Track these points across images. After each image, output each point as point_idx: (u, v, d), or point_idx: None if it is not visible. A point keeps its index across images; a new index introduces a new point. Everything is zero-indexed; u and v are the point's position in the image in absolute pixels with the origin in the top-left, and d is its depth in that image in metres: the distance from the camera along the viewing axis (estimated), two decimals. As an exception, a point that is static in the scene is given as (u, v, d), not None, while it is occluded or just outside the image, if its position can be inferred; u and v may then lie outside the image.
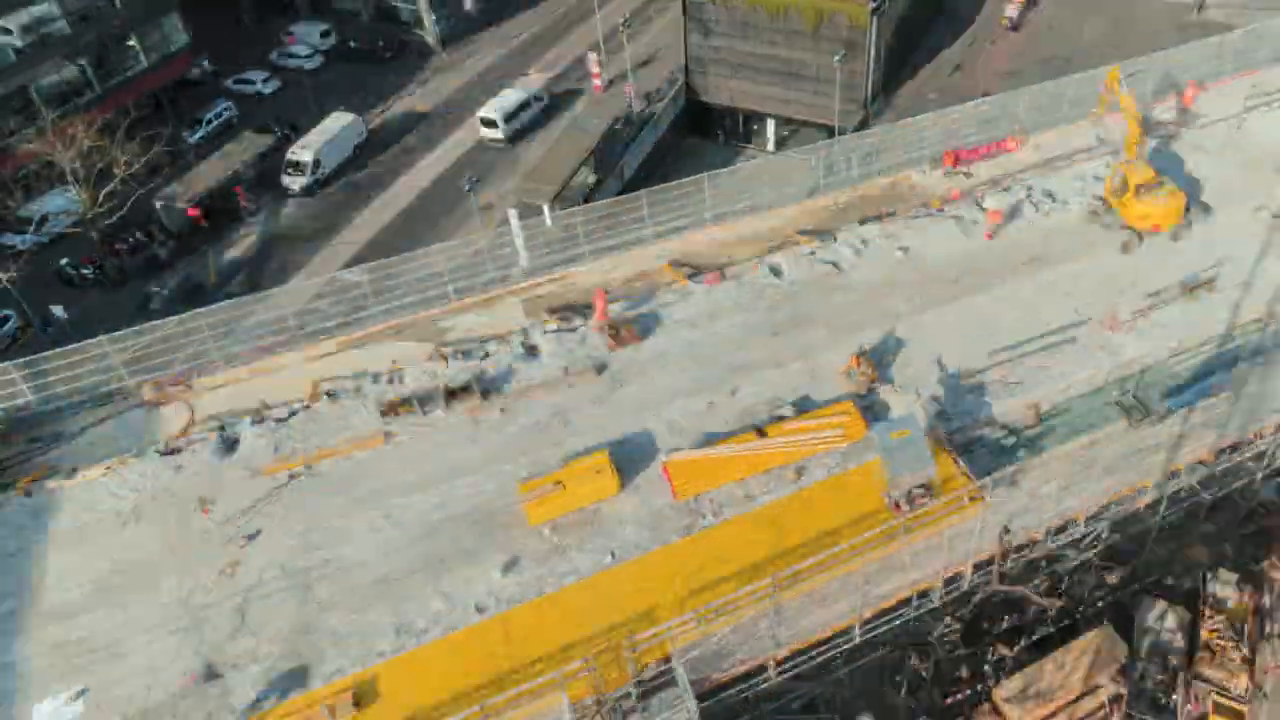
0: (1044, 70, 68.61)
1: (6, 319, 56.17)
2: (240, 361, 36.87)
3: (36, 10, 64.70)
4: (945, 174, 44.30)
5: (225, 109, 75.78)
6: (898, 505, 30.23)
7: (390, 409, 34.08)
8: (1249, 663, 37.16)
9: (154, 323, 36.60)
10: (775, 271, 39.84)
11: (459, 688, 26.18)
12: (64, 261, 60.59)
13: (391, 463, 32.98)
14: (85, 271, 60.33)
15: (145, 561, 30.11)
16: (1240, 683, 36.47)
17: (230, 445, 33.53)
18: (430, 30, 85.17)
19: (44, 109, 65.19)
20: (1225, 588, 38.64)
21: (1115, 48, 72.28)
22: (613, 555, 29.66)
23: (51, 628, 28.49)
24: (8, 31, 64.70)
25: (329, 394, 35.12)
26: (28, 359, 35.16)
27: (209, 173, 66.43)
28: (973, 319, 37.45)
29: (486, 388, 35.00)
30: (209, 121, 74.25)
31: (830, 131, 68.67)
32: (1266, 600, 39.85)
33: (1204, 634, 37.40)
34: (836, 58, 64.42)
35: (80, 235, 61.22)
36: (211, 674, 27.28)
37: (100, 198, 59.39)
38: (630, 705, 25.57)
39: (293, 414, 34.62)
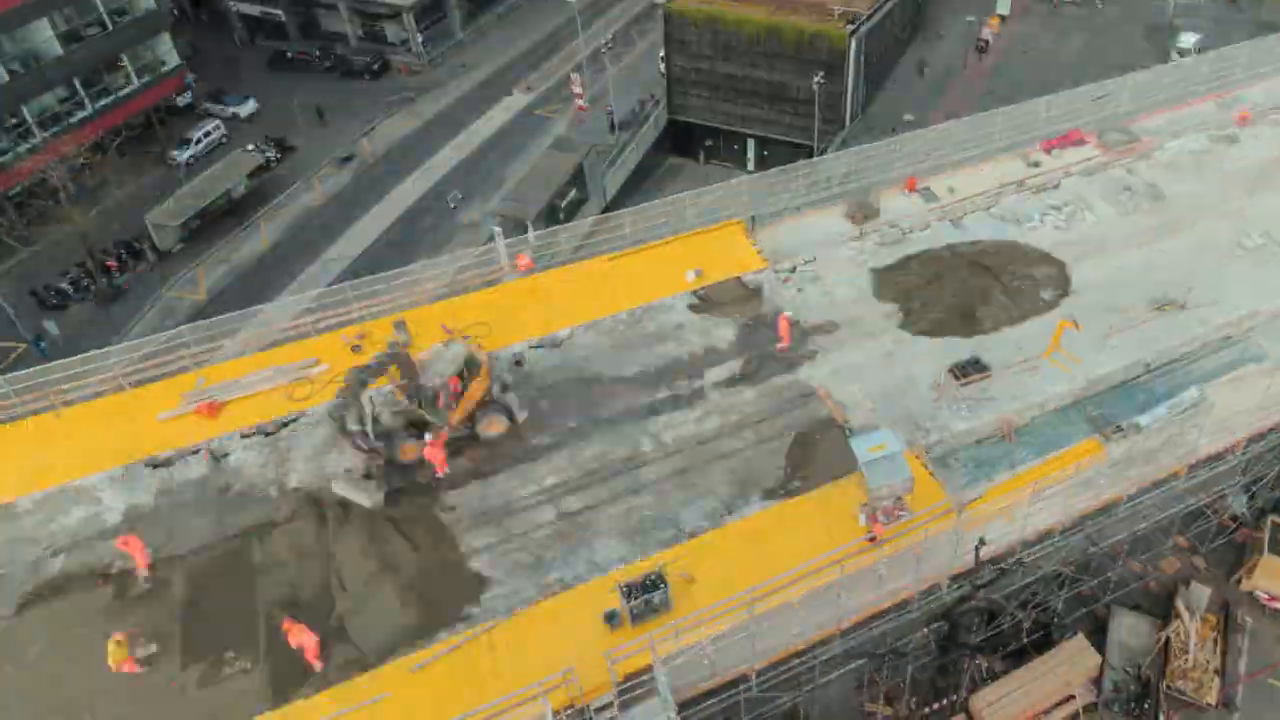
0: (1020, 89, 69.70)
1: None
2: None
3: (29, 31, 65.17)
4: (920, 195, 45.12)
5: (214, 128, 76.32)
6: (875, 518, 30.88)
7: None
8: (1220, 674, 37.90)
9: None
10: (755, 289, 40.46)
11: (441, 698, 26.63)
12: (44, 285, 60.98)
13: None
14: (66, 287, 60.68)
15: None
16: (1211, 694, 37.17)
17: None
18: (418, 50, 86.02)
19: (36, 128, 65.75)
20: (1197, 600, 39.40)
21: (1091, 66, 73.51)
22: (597, 566, 30.21)
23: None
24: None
25: None
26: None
27: (199, 191, 66.91)
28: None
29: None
30: (198, 141, 74.83)
31: (810, 151, 69.61)
32: (1237, 612, 40.67)
33: (1176, 645, 38.09)
34: (816, 79, 65.18)
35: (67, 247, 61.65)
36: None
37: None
38: (612, 715, 26.06)
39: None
